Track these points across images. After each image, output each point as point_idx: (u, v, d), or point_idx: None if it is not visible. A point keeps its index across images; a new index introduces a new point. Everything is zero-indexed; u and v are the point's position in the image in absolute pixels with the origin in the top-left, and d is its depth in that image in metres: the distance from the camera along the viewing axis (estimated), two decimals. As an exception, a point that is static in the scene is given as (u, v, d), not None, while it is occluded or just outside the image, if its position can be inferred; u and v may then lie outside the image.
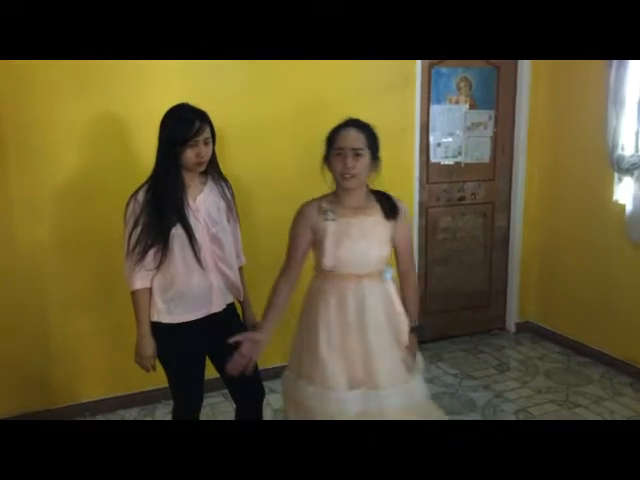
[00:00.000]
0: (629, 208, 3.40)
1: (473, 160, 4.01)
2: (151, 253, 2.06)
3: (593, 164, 3.63)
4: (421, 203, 3.89)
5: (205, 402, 2.32)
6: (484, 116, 3.98)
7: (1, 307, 2.89)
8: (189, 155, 2.03)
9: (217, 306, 2.19)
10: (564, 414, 3.13)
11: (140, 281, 2.09)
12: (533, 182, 4.10)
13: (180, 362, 2.18)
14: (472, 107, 3.94)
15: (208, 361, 2.26)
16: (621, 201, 3.49)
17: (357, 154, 1.97)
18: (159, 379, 2.25)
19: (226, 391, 2.43)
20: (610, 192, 3.55)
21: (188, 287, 2.11)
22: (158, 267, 2.08)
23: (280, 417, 2.83)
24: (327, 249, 2.02)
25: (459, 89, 3.88)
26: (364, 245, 2.03)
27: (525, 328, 4.29)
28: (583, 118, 3.70)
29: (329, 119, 2.06)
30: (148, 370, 2.16)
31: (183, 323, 2.13)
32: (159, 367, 2.18)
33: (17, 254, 2.87)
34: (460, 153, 3.97)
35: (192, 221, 2.07)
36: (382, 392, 2.02)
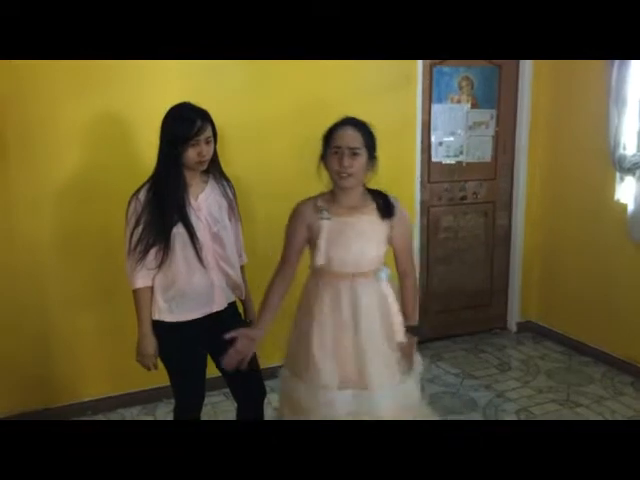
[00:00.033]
0: (631, 208, 3.40)
1: (474, 159, 4.01)
2: (153, 252, 2.06)
3: (595, 163, 3.62)
4: (422, 202, 3.89)
5: (206, 401, 2.33)
6: (486, 115, 3.97)
7: (2, 306, 2.89)
8: (191, 154, 2.03)
9: (219, 305, 2.19)
10: (565, 414, 3.13)
11: (142, 280, 2.09)
12: (534, 181, 4.10)
13: (181, 361, 2.18)
14: (474, 106, 3.93)
15: (209, 360, 2.26)
16: (623, 200, 3.49)
17: (354, 153, 1.96)
18: (160, 378, 2.26)
19: (227, 390, 2.43)
20: (612, 191, 3.54)
21: (189, 286, 2.11)
22: (159, 266, 2.08)
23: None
24: (320, 248, 2.02)
25: (461, 88, 3.87)
26: (359, 244, 2.02)
27: (526, 327, 4.29)
28: (585, 117, 3.70)
29: (330, 119, 2.05)
30: (149, 369, 2.17)
31: (184, 322, 2.14)
32: (160, 366, 2.19)
33: (18, 253, 2.88)
34: (462, 152, 3.96)
35: (194, 220, 2.08)
36: (372, 393, 2.01)
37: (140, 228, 2.05)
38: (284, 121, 3.20)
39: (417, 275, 3.44)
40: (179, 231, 2.06)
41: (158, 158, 2.08)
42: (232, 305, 2.28)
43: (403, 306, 2.15)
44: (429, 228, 3.98)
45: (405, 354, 2.12)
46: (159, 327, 2.13)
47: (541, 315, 4.24)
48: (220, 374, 2.26)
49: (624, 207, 3.46)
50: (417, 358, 2.21)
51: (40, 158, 2.84)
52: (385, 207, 2.06)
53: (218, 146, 2.15)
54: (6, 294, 2.89)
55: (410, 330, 2.14)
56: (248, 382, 2.26)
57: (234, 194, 2.28)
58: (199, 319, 2.16)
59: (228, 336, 1.99)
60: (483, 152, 4.02)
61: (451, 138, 3.91)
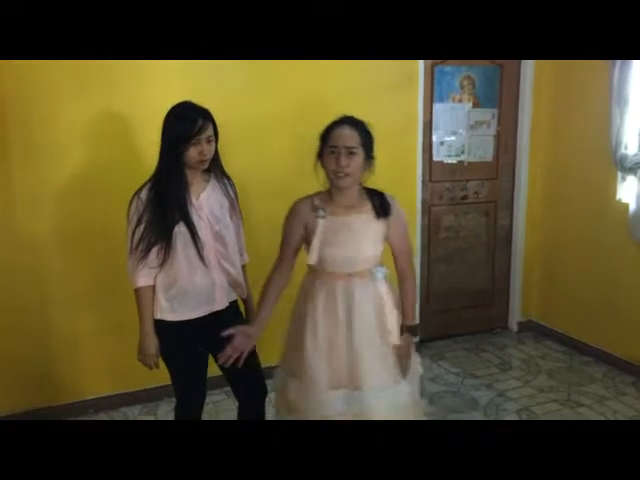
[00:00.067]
0: (632, 207, 3.40)
1: (476, 159, 4.00)
2: (154, 251, 2.06)
3: (596, 163, 3.62)
4: (424, 202, 3.89)
5: (208, 400, 2.33)
6: (487, 115, 3.97)
7: (4, 304, 2.90)
8: (192, 153, 2.03)
9: (220, 304, 2.19)
10: (566, 413, 3.13)
11: (143, 279, 2.09)
12: (536, 181, 4.09)
13: (183, 360, 2.19)
14: (475, 106, 3.93)
15: (211, 359, 2.27)
16: (624, 200, 3.49)
17: (351, 152, 1.95)
18: (162, 376, 2.26)
19: (229, 389, 2.43)
20: (613, 191, 3.54)
21: (191, 285, 2.11)
22: (161, 265, 2.08)
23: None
24: (314, 246, 2.02)
25: (462, 87, 3.87)
26: (354, 243, 2.01)
27: (527, 327, 4.28)
28: (586, 117, 3.69)
29: (330, 118, 2.04)
30: (151, 368, 2.17)
31: (186, 321, 2.14)
32: (162, 365, 2.19)
33: (20, 251, 2.88)
34: (463, 152, 3.96)
35: (195, 219, 2.08)
36: (363, 394, 2.01)
37: (142, 227, 2.05)
38: (284, 120, 3.20)
39: (417, 274, 3.44)
40: (181, 230, 2.06)
41: (159, 157, 2.08)
42: (233, 304, 2.28)
43: (402, 306, 2.15)
44: (430, 227, 3.98)
45: (403, 354, 2.11)
46: (161, 326, 2.14)
47: (542, 314, 4.24)
48: (221, 373, 2.26)
49: (626, 207, 3.46)
50: (415, 358, 2.21)
51: (41, 157, 2.84)
52: (381, 206, 2.04)
53: (219, 145, 2.16)
54: (8, 293, 2.89)
55: (408, 330, 2.14)
56: (249, 381, 2.26)
57: (235, 193, 2.28)
58: (200, 318, 2.16)
59: (225, 333, 1.99)
60: (484, 151, 4.02)
61: (452, 137, 3.91)
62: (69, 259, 2.99)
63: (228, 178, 2.26)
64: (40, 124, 2.81)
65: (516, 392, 3.38)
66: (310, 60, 2.91)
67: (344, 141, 1.95)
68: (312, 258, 2.04)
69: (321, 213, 2.02)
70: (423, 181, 3.84)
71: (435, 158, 3.89)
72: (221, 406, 3.17)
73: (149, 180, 2.10)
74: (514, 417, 3.11)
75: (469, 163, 3.99)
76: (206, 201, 2.14)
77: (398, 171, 3.64)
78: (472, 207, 4.09)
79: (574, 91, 3.79)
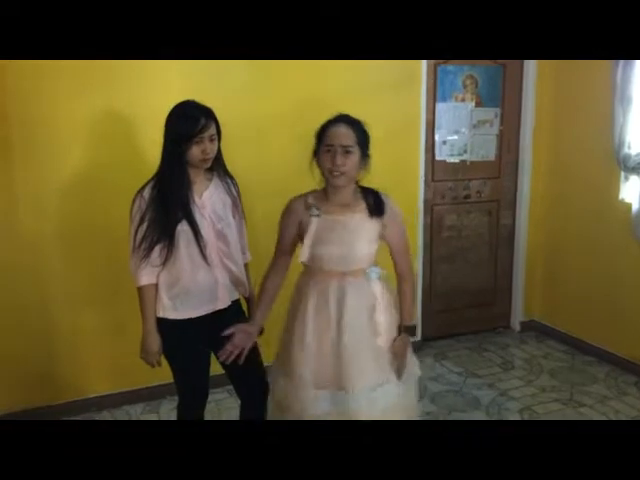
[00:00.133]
0: (635, 207, 3.39)
1: (479, 158, 4.00)
2: (157, 249, 2.06)
3: (599, 162, 3.61)
4: (426, 201, 3.89)
5: (210, 398, 2.33)
6: (490, 114, 3.97)
7: (6, 302, 2.91)
8: (195, 152, 2.03)
9: (222, 302, 2.19)
10: (569, 413, 3.13)
11: (146, 277, 2.09)
12: (538, 180, 4.09)
13: (185, 358, 2.19)
14: (478, 105, 3.93)
15: (213, 357, 2.27)
16: (627, 200, 3.48)
17: (347, 151, 1.94)
18: (164, 375, 2.26)
19: (231, 387, 2.44)
20: (616, 191, 3.54)
21: (194, 283, 2.11)
22: (164, 263, 2.08)
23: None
24: (306, 244, 2.02)
25: (465, 87, 3.87)
26: (348, 242, 2.00)
27: (530, 326, 4.28)
28: (589, 116, 3.69)
29: (332, 117, 2.05)
30: (153, 366, 2.17)
31: (189, 319, 2.14)
32: (164, 363, 2.19)
33: (22, 251, 2.89)
34: (466, 151, 3.96)
35: (198, 217, 2.08)
36: (348, 394, 2.00)
37: (144, 226, 2.05)
38: (285, 120, 3.20)
39: (419, 274, 3.43)
40: (183, 229, 2.06)
41: (162, 156, 2.08)
42: (236, 302, 2.28)
43: (400, 306, 2.15)
44: (433, 227, 3.98)
45: (398, 354, 2.10)
46: (163, 324, 2.14)
47: (545, 314, 4.24)
48: (223, 371, 2.26)
49: (628, 206, 3.45)
50: (412, 359, 2.19)
51: (43, 157, 2.85)
52: (375, 205, 2.03)
53: (221, 144, 2.16)
54: (10, 292, 2.90)
55: (406, 330, 2.13)
56: (251, 379, 2.27)
57: (238, 192, 2.28)
58: (203, 317, 2.16)
59: (226, 333, 2.01)
60: (487, 151, 4.02)
61: (455, 137, 3.91)
62: (71, 258, 2.99)
63: (231, 177, 2.26)
64: (42, 123, 2.82)
65: (518, 391, 3.38)
66: (311, 60, 2.90)
67: (340, 140, 1.94)
68: (304, 255, 2.04)
69: (315, 211, 2.02)
70: (425, 180, 3.84)
71: (438, 157, 3.89)
72: (223, 404, 3.17)
73: (152, 179, 2.10)
74: (516, 417, 3.11)
75: (472, 162, 3.99)
76: (209, 200, 2.14)
77: (400, 170, 3.64)
78: (474, 206, 4.09)
79: (577, 90, 3.78)
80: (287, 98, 3.21)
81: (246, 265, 2.34)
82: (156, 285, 2.12)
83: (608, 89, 3.39)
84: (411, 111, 3.64)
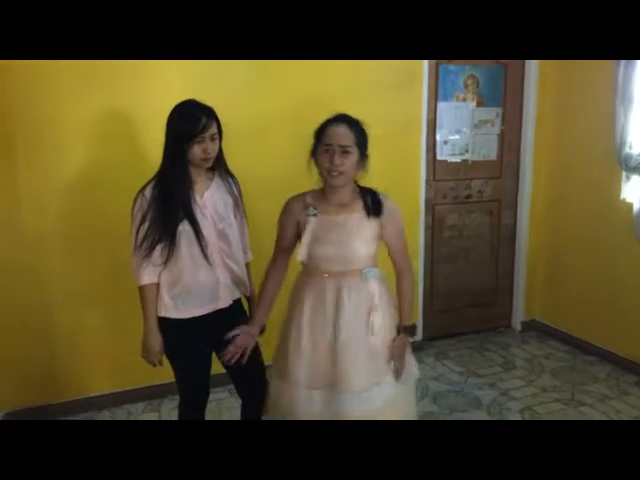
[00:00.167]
0: (637, 207, 3.39)
1: (480, 158, 4.00)
2: (158, 249, 2.06)
3: (600, 162, 3.61)
4: (427, 200, 3.89)
5: (211, 397, 2.33)
6: (491, 114, 3.97)
7: (8, 301, 2.91)
8: (196, 151, 2.03)
9: (224, 302, 2.20)
10: (570, 413, 3.13)
11: (148, 276, 2.09)
12: (540, 180, 4.09)
13: (187, 358, 2.19)
14: (479, 105, 3.93)
15: (214, 356, 2.27)
16: (629, 199, 3.48)
17: (345, 151, 1.93)
18: (165, 374, 2.27)
19: (232, 386, 2.44)
20: (617, 190, 3.54)
21: (195, 283, 2.11)
22: (165, 263, 2.08)
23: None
24: (303, 244, 2.02)
25: (466, 86, 3.87)
26: (345, 242, 1.99)
27: (531, 326, 4.28)
28: (591, 116, 3.69)
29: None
30: (155, 365, 2.17)
31: (190, 319, 2.14)
32: (166, 362, 2.19)
33: (24, 249, 2.89)
34: (467, 150, 3.96)
35: (199, 217, 2.08)
36: (340, 394, 1.99)
37: (146, 225, 2.05)
38: (286, 120, 3.20)
39: (420, 273, 3.42)
40: (185, 228, 2.06)
41: (164, 155, 2.08)
42: (237, 302, 2.29)
43: (399, 306, 2.14)
44: (434, 226, 3.98)
45: (397, 355, 2.09)
46: (164, 324, 2.14)
47: (546, 314, 4.24)
48: (225, 370, 2.27)
49: (630, 206, 3.45)
50: (411, 359, 2.19)
51: (46, 156, 2.85)
52: (373, 205, 2.01)
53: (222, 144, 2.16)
54: (11, 291, 2.91)
55: (405, 330, 2.12)
56: (252, 379, 2.27)
57: (239, 191, 2.28)
58: (204, 316, 2.16)
59: (229, 336, 2.04)
60: (488, 150, 4.02)
61: (456, 136, 3.91)
62: (73, 257, 2.99)
63: (232, 176, 2.26)
64: (44, 123, 2.82)
65: (519, 391, 3.38)
66: (312, 60, 2.90)
67: (339, 140, 1.93)
68: (301, 255, 2.04)
69: (312, 211, 2.02)
70: (427, 180, 3.84)
71: (439, 157, 3.89)
72: (224, 404, 3.17)
73: (153, 178, 2.10)
74: (517, 416, 3.11)
75: (473, 162, 3.99)
76: (210, 199, 2.14)
77: (402, 170, 3.64)
78: (476, 206, 4.08)
79: (578, 90, 3.78)
80: (287, 98, 3.21)
81: (247, 264, 2.34)
82: (157, 284, 2.12)
83: (609, 89, 3.38)
84: (412, 111, 3.64)
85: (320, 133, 1.99)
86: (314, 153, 2.01)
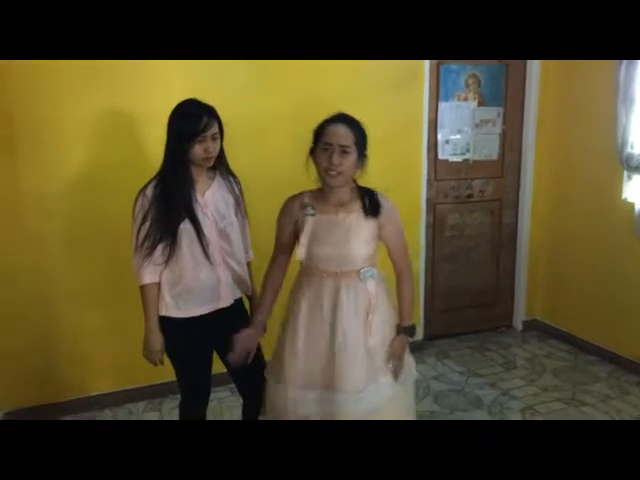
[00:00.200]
0: (638, 206, 3.40)
1: (481, 157, 4.00)
2: (159, 248, 2.06)
3: (602, 162, 3.61)
4: (429, 200, 3.88)
5: (212, 396, 2.33)
6: (493, 113, 3.96)
7: (10, 300, 2.92)
8: (197, 150, 2.03)
9: (225, 301, 2.20)
10: (571, 412, 3.13)
11: (149, 276, 2.10)
12: (541, 180, 4.08)
13: (188, 357, 2.19)
14: (481, 104, 3.92)
15: (216, 356, 2.27)
16: (630, 199, 3.48)
17: (344, 151, 1.92)
18: (166, 373, 2.27)
19: (233, 385, 2.44)
20: (619, 190, 3.53)
21: (196, 282, 2.12)
22: (166, 262, 2.09)
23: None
24: (301, 244, 2.01)
25: (468, 86, 3.86)
26: (343, 242, 1.98)
27: (532, 326, 4.28)
28: (592, 116, 3.68)
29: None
30: (156, 364, 2.18)
31: (191, 318, 2.14)
32: (167, 361, 2.20)
33: (25, 248, 2.89)
34: (468, 150, 3.96)
35: (200, 216, 2.08)
36: (335, 394, 1.98)
37: (147, 224, 2.05)
38: (286, 119, 3.19)
39: (421, 273, 3.41)
40: (186, 227, 2.06)
41: (165, 154, 2.09)
42: (238, 301, 2.29)
43: (399, 306, 2.14)
44: (435, 226, 3.98)
45: (396, 355, 2.09)
46: (166, 323, 2.14)
47: (547, 313, 4.23)
48: (226, 370, 2.27)
49: (631, 206, 3.45)
50: (410, 360, 2.18)
51: (47, 155, 2.86)
52: (371, 206, 2.00)
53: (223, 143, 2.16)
54: (13, 289, 2.91)
55: (405, 330, 2.12)
56: (253, 378, 2.27)
57: (241, 190, 2.28)
58: (206, 315, 2.16)
59: (236, 347, 2.07)
60: (490, 150, 4.01)
61: (458, 136, 3.91)
62: (74, 256, 3.00)
63: (233, 176, 2.26)
64: (45, 122, 2.82)
65: (520, 391, 3.38)
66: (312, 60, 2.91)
67: (338, 139, 1.92)
68: (300, 255, 2.04)
69: (310, 211, 2.01)
70: (428, 179, 3.84)
71: (440, 156, 3.88)
72: (225, 403, 3.18)
73: (154, 177, 2.11)
74: (518, 416, 3.11)
75: (474, 161, 3.99)
76: (211, 198, 2.14)
77: (403, 169, 3.64)
78: (477, 205, 4.08)
79: (580, 90, 3.78)
80: (288, 97, 3.21)
81: (249, 264, 2.35)
82: (159, 284, 2.12)
83: (611, 89, 3.38)
84: (414, 110, 3.64)
85: (319, 132, 1.98)
86: (313, 152, 2.00)
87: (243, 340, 2.09)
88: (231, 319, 2.21)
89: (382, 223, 2.02)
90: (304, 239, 2.01)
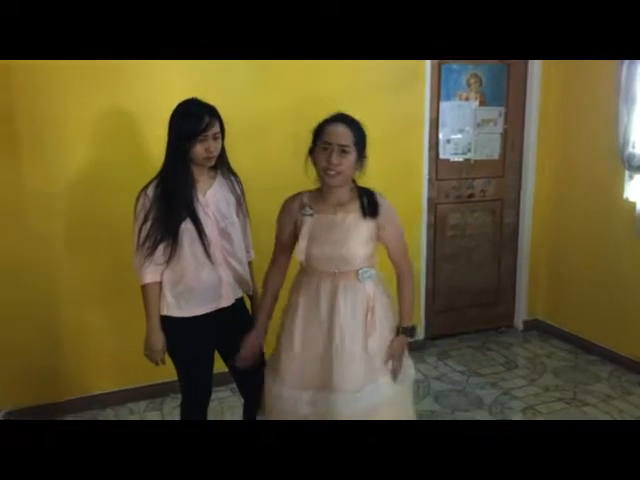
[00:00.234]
0: (639, 206, 3.38)
1: (483, 157, 4.00)
2: (161, 247, 2.07)
3: (603, 162, 3.61)
4: (430, 200, 3.88)
5: (213, 396, 2.34)
6: (494, 113, 3.96)
7: (12, 299, 2.92)
8: (198, 150, 2.04)
9: (226, 300, 2.20)
10: (572, 412, 3.13)
11: (150, 275, 2.10)
12: (543, 179, 4.08)
13: (189, 356, 2.20)
14: (482, 104, 3.92)
15: (217, 355, 2.28)
16: (631, 199, 3.47)
17: (343, 151, 1.91)
18: (168, 372, 2.27)
19: (234, 385, 2.45)
20: (620, 190, 3.53)
21: (197, 281, 2.12)
22: (168, 261, 2.09)
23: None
24: (300, 244, 2.01)
25: (469, 86, 3.86)
26: (341, 242, 1.97)
27: (533, 326, 4.28)
28: (594, 115, 3.68)
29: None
30: (157, 364, 2.18)
31: (192, 317, 2.15)
32: (168, 360, 2.20)
33: (29, 246, 2.90)
34: (470, 150, 3.95)
35: (201, 216, 2.08)
36: (333, 395, 1.98)
37: (148, 224, 2.06)
38: (287, 119, 3.19)
39: (422, 273, 3.41)
40: (187, 227, 2.07)
41: (166, 154, 2.09)
42: (240, 300, 2.29)
43: (399, 307, 2.14)
44: (436, 226, 3.98)
45: (395, 355, 2.08)
46: (167, 322, 2.15)
47: (548, 313, 4.23)
48: (227, 369, 2.27)
49: (633, 205, 3.44)
50: (408, 361, 2.18)
51: (50, 155, 2.86)
52: (369, 206, 2.00)
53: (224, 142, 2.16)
54: (15, 288, 2.91)
55: (403, 331, 2.11)
56: (254, 378, 2.27)
57: (242, 190, 2.28)
58: (207, 315, 2.17)
59: (245, 351, 2.12)
60: (491, 150, 4.01)
61: (459, 135, 3.91)
62: (76, 255, 3.00)
63: (235, 175, 2.26)
64: (49, 122, 2.83)
65: (521, 391, 3.38)
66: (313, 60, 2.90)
67: (338, 139, 1.92)
68: (298, 255, 2.03)
69: (308, 211, 2.01)
70: (429, 179, 3.83)
71: (441, 156, 3.88)
72: (226, 403, 3.18)
73: (156, 177, 2.11)
74: (519, 416, 3.11)
75: (476, 161, 3.98)
76: (212, 198, 2.14)
77: (404, 169, 3.64)
78: (478, 205, 4.08)
79: (581, 89, 3.77)
80: (288, 97, 3.21)
81: (250, 263, 2.35)
82: (160, 283, 2.12)
83: (612, 88, 3.38)
84: (415, 110, 3.64)
85: (319, 132, 1.97)
86: (312, 152, 1.99)
87: (251, 343, 2.11)
88: (232, 318, 2.21)
89: (381, 224, 2.02)
90: (302, 239, 2.00)
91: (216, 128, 2.06)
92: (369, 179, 2.08)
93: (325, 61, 3.06)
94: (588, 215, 3.80)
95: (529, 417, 3.09)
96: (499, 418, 3.08)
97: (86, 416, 3.09)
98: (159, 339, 2.14)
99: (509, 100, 3.97)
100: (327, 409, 1.98)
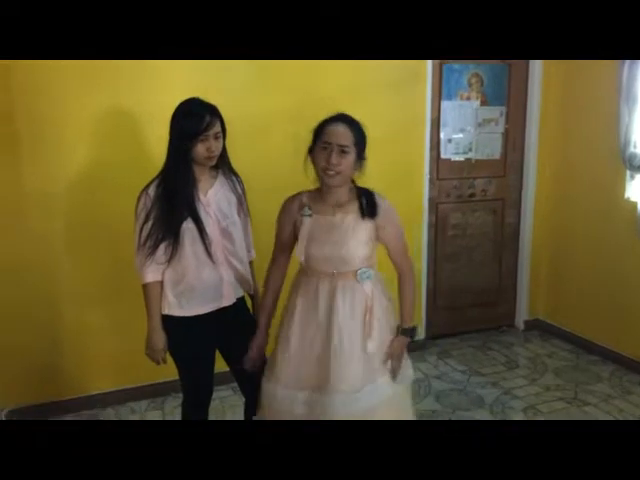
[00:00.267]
0: (641, 206, 3.39)
1: (484, 156, 4.00)
2: (162, 247, 2.07)
3: (605, 161, 3.60)
4: (431, 199, 3.88)
5: (214, 395, 2.34)
6: (495, 112, 3.96)
7: (12, 298, 2.92)
8: (200, 149, 2.04)
9: (228, 300, 2.20)
10: (573, 412, 3.13)
11: (151, 274, 2.10)
12: (544, 179, 4.08)
13: (190, 355, 2.20)
14: (483, 103, 3.92)
15: (218, 355, 2.28)
16: (633, 199, 3.47)
17: (343, 151, 1.91)
18: (169, 371, 2.28)
19: (235, 384, 2.45)
20: (622, 190, 3.53)
21: (199, 281, 2.12)
22: (169, 261, 2.09)
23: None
24: (299, 244, 2.01)
25: (470, 85, 3.86)
26: (340, 243, 1.97)
27: (534, 325, 4.28)
28: (595, 115, 3.68)
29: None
30: (158, 363, 2.18)
31: (194, 317, 2.15)
32: (169, 360, 2.20)
33: (29, 246, 2.90)
34: (471, 149, 3.95)
35: (203, 215, 2.08)
36: (331, 395, 1.97)
37: (150, 223, 2.06)
38: (287, 119, 3.19)
39: (424, 272, 3.41)
40: (188, 226, 2.07)
41: (167, 153, 2.09)
42: (241, 300, 2.29)
43: (400, 307, 2.13)
44: (437, 225, 3.98)
45: (395, 356, 2.08)
46: (168, 322, 2.15)
47: (549, 313, 4.23)
48: (228, 369, 2.27)
49: (634, 205, 3.44)
50: (407, 361, 2.17)
51: (51, 154, 2.86)
52: (368, 207, 1.99)
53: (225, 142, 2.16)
54: (15, 288, 2.92)
55: (404, 332, 2.11)
56: (255, 377, 2.27)
57: (243, 189, 2.28)
58: (208, 314, 2.17)
59: (252, 352, 2.16)
60: (492, 149, 4.01)
61: (460, 135, 3.90)
62: (77, 255, 3.01)
63: (236, 175, 2.26)
64: (49, 121, 2.83)
65: (522, 390, 3.38)
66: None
67: (337, 139, 1.91)
68: (299, 255, 2.04)
69: (307, 211, 2.01)
70: (430, 178, 3.83)
71: (443, 155, 3.88)
72: (227, 402, 3.18)
73: (157, 176, 2.11)
74: (520, 415, 3.11)
75: (477, 161, 3.98)
76: (214, 197, 2.14)
77: (405, 168, 3.64)
78: (479, 205, 4.08)
79: (582, 89, 3.77)
80: (288, 97, 3.21)
81: (251, 262, 2.35)
82: (161, 282, 2.12)
83: (613, 88, 3.37)
84: (416, 109, 3.63)
85: (319, 131, 1.97)
86: (311, 152, 1.99)
87: (258, 343, 2.13)
88: (233, 318, 2.21)
89: (380, 224, 2.01)
90: (302, 240, 2.00)
91: (217, 127, 2.06)
92: (370, 179, 2.07)
93: (325, 61, 3.06)
94: (589, 215, 3.80)
95: (530, 417, 3.09)
96: (500, 417, 3.08)
97: (86, 415, 3.10)
98: (160, 338, 2.14)
99: (510, 100, 3.97)
100: (323, 409, 1.97)
